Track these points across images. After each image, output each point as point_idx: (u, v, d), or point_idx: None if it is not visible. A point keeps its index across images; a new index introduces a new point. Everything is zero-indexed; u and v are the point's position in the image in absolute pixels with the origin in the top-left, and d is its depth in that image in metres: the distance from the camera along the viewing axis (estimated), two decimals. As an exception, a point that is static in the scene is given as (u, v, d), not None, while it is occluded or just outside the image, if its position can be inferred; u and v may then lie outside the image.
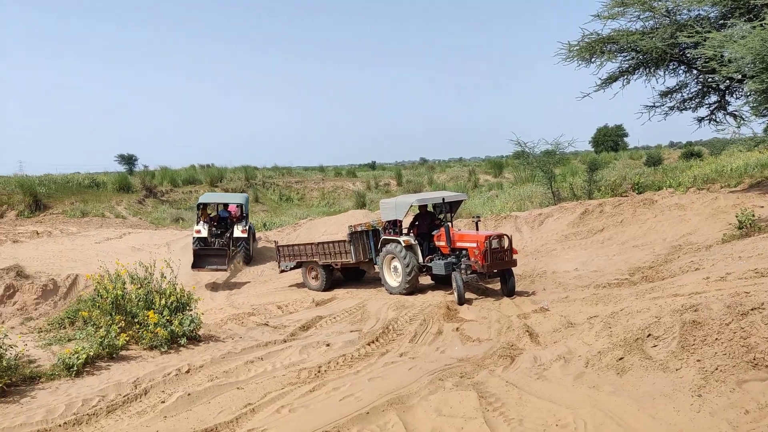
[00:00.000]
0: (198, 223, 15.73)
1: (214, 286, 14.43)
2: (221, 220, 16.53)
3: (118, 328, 6.98)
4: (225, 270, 14.83)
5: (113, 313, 7.20)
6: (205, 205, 16.50)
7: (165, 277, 7.85)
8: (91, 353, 6.48)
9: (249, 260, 16.39)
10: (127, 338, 7.08)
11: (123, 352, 6.98)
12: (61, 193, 29.58)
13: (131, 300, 7.38)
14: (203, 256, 14.76)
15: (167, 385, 6.15)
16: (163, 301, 7.47)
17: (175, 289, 7.83)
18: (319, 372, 6.52)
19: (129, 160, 41.02)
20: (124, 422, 5.35)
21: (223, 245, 15.52)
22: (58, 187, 30.54)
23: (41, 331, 7.99)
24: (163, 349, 7.16)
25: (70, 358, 6.28)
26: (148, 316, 7.21)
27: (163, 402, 5.72)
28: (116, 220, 26.22)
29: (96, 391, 5.85)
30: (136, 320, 7.35)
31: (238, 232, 15.87)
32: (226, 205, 17.10)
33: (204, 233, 15.44)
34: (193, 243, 15.48)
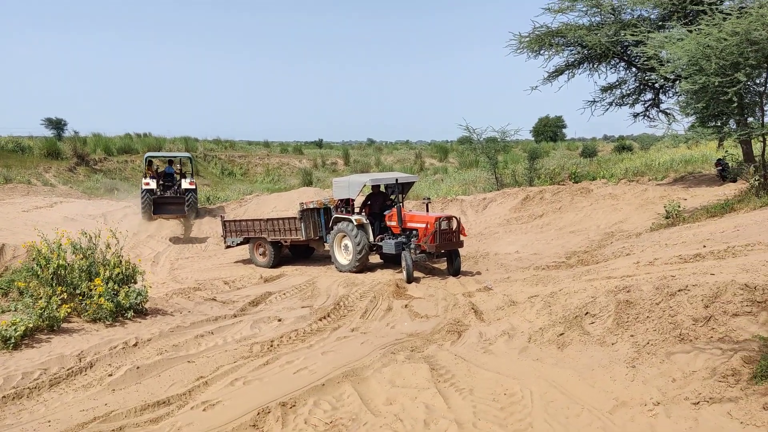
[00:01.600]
0: (146, 176, 16.96)
1: (156, 259, 13.98)
2: (167, 176, 17.76)
3: (60, 299, 6.68)
4: (185, 215, 16.34)
5: (54, 284, 6.86)
6: (152, 160, 17.90)
7: (110, 248, 7.55)
8: (30, 325, 6.18)
9: (196, 211, 17.64)
10: (69, 310, 6.79)
11: (65, 325, 6.69)
12: (-20, 157, 27.40)
13: (73, 271, 7.06)
14: (161, 204, 16.15)
15: (114, 359, 5.99)
16: (107, 273, 7.20)
17: (120, 261, 7.55)
18: (272, 346, 6.55)
19: (57, 125, 38.25)
20: (69, 395, 5.18)
21: (173, 195, 16.90)
22: (-24, 149, 28.25)
23: (-30, 303, 7.51)
24: (107, 322, 6.93)
25: (6, 330, 5.96)
26: (91, 288, 6.94)
27: (110, 375, 5.58)
28: (44, 188, 24.60)
29: (37, 364, 5.61)
30: (78, 292, 7.05)
31: (186, 184, 17.21)
32: (171, 162, 18.53)
33: (153, 185, 16.68)
34: (142, 195, 16.67)
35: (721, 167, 16.81)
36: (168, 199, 16.54)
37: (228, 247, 13.85)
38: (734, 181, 15.22)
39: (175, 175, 18.02)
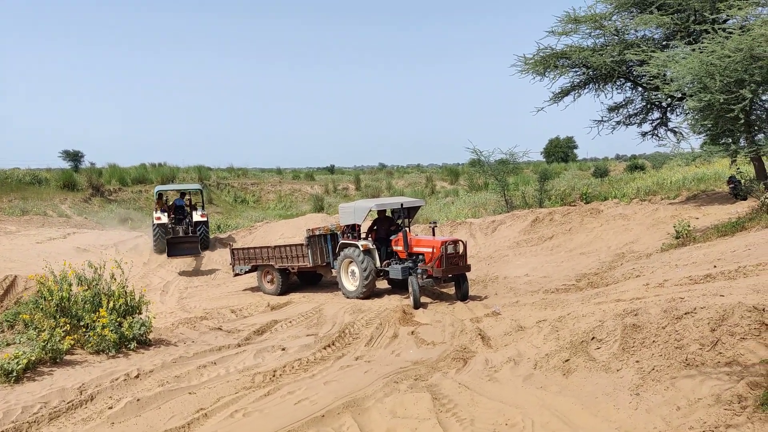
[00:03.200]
0: (156, 211, 16.81)
1: (165, 288, 14.06)
2: (178, 209, 17.59)
3: (63, 331, 6.71)
4: (199, 254, 16.07)
5: (57, 316, 6.90)
6: (161, 194, 17.73)
7: (115, 279, 7.60)
8: (33, 358, 6.20)
9: (207, 245, 17.39)
10: (72, 342, 6.81)
11: (67, 357, 6.71)
12: (-2, 189, 28.03)
13: (77, 302, 7.11)
14: (176, 244, 15.82)
15: (115, 391, 5.97)
16: (111, 304, 7.23)
17: (125, 291, 7.59)
18: (274, 376, 6.49)
19: (74, 157, 39.13)
20: (68, 429, 5.16)
21: (185, 231, 16.72)
22: (-5, 182, 28.94)
23: (-23, 335, 7.57)
24: (110, 354, 6.93)
25: (9, 363, 5.98)
26: (94, 319, 6.97)
27: (110, 408, 5.55)
28: (59, 219, 25.05)
29: (37, 398, 5.61)
30: (81, 323, 7.08)
31: (197, 216, 17.05)
32: (182, 194, 18.30)
33: (164, 220, 16.56)
34: (154, 229, 16.52)
35: (733, 185, 16.55)
36: (182, 238, 16.30)
37: (237, 275, 13.89)
38: (745, 198, 14.97)
39: (185, 207, 17.94)
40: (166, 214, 16.83)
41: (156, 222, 16.62)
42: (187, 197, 19.06)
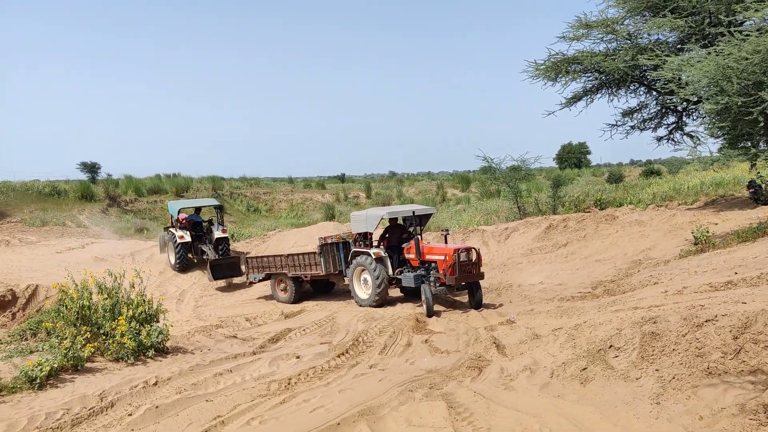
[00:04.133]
0: (177, 229, 16.39)
1: (181, 297, 14.19)
2: (195, 225, 17.12)
3: (84, 339, 6.81)
4: (242, 275, 15.37)
5: (78, 324, 7.02)
6: (180, 211, 17.20)
7: (134, 288, 7.71)
8: (55, 365, 6.30)
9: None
10: (93, 350, 6.91)
11: (88, 364, 6.80)
12: (19, 201, 28.58)
13: (97, 311, 7.22)
14: (219, 267, 15.21)
15: (134, 398, 6.04)
16: (130, 312, 7.33)
17: (144, 300, 7.69)
18: (289, 384, 6.51)
19: (92, 169, 39.72)
20: (89, 436, 5.23)
21: (215, 251, 16.19)
22: (16, 194, 29.51)
23: (1, 343, 7.72)
24: (129, 361, 7.02)
25: (32, 370, 6.09)
26: (114, 327, 7.07)
27: (130, 415, 5.61)
28: (78, 230, 25.45)
29: (60, 404, 5.70)
30: (102, 331, 7.18)
31: (218, 233, 16.55)
32: (198, 210, 17.81)
33: (187, 238, 16.16)
34: (176, 248, 16.10)
35: (753, 189, 16.29)
36: (223, 260, 15.62)
37: (251, 283, 13.98)
38: (766, 203, 14.73)
39: (203, 223, 17.35)
40: (187, 232, 16.39)
41: (180, 241, 16.14)
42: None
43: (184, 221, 16.84)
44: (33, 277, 14.37)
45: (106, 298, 7.36)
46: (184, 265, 16.34)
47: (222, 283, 15.25)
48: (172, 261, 16.59)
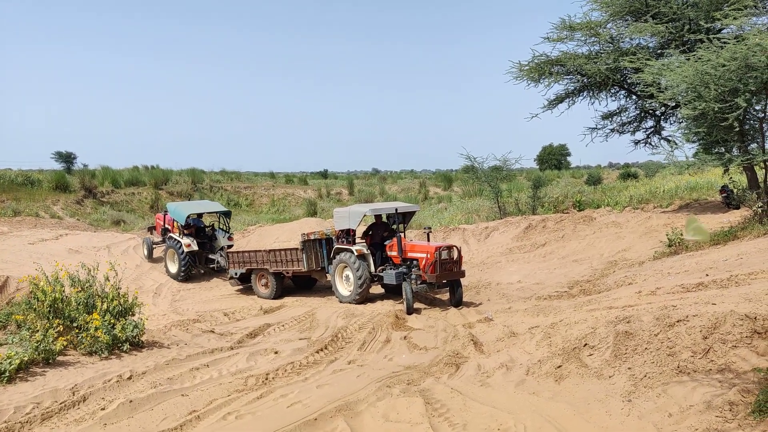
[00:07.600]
0: (182, 236, 15.23)
1: (158, 291, 13.99)
2: (198, 231, 16.14)
3: (56, 332, 6.67)
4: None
5: (50, 317, 6.87)
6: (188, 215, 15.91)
7: (109, 281, 7.57)
8: (25, 358, 6.15)
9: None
10: (65, 343, 6.77)
11: (60, 358, 6.67)
12: (-10, 190, 27.82)
13: (70, 303, 7.07)
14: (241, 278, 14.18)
15: (107, 392, 5.94)
16: (105, 306, 7.20)
17: (118, 293, 7.56)
18: (266, 379, 6.48)
19: (67, 158, 38.86)
20: (60, 429, 5.13)
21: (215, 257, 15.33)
22: (-13, 183, 28.73)
23: (-32, 336, 7.50)
24: (103, 355, 6.90)
25: (1, 363, 5.94)
26: (87, 321, 6.94)
27: (102, 409, 5.52)
28: (52, 221, 24.87)
29: (30, 398, 5.57)
30: (74, 324, 7.04)
31: (225, 240, 15.72)
32: (200, 214, 16.61)
33: (194, 246, 15.05)
34: (182, 258, 14.88)
35: (725, 194, 16.71)
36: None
37: (231, 278, 13.85)
38: (737, 208, 15.11)
39: (206, 229, 16.40)
40: (194, 240, 15.19)
41: (187, 250, 14.79)
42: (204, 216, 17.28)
43: (188, 228, 15.59)
44: (3, 268, 13.99)
45: (80, 291, 7.21)
46: (188, 276, 15.01)
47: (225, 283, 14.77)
48: (173, 271, 15.20)
